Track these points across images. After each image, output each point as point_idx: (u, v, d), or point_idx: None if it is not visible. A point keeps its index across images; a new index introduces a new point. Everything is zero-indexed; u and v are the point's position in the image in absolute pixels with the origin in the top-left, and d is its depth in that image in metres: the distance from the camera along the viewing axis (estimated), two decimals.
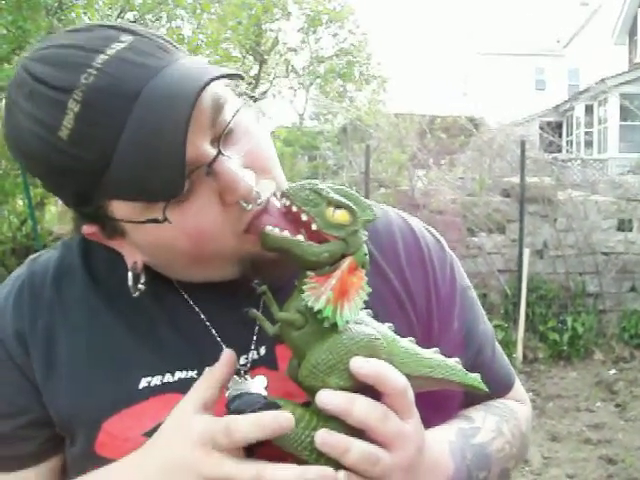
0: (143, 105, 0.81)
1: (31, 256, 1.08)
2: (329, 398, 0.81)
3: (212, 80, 0.81)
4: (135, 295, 0.95)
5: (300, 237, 0.85)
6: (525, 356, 7.51)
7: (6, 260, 8.56)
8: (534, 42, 37.01)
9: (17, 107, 0.86)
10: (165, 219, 0.84)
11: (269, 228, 0.86)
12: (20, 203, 9.45)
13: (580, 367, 7.54)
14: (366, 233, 0.88)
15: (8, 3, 7.77)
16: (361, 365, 0.82)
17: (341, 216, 0.85)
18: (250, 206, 0.88)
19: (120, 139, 0.81)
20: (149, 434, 0.90)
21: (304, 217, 0.85)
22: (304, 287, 0.84)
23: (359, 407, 0.81)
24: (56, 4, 8.06)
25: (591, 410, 6.35)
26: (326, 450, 0.80)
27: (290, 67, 21.73)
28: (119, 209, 0.88)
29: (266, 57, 19.77)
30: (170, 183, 0.80)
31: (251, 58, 19.68)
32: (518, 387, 1.26)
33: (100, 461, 0.93)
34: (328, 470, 0.79)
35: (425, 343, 1.04)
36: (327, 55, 22.40)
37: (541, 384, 6.97)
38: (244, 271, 0.94)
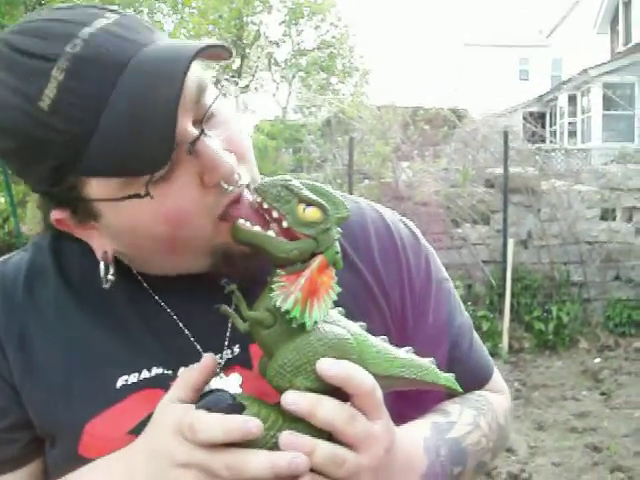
0: (131, 76, 0.79)
1: (0, 258, 1.06)
2: (294, 399, 0.80)
3: (204, 49, 0.80)
4: (106, 286, 0.94)
5: (271, 233, 0.84)
6: (511, 346, 7.55)
7: None
8: (517, 33, 37.11)
9: None
10: (147, 193, 0.82)
11: (241, 222, 0.86)
12: (1, 201, 9.41)
13: (565, 356, 7.59)
14: (340, 230, 0.87)
15: None
16: (327, 367, 0.81)
17: (312, 214, 0.84)
18: (231, 188, 0.87)
19: (105, 111, 0.79)
20: (134, 432, 0.90)
21: (275, 214, 0.84)
22: (273, 286, 0.83)
23: (324, 409, 0.80)
24: (35, 0, 8.01)
25: (577, 399, 6.39)
26: (289, 451, 0.79)
27: (272, 60, 21.70)
28: (95, 188, 0.85)
29: (248, 51, 19.73)
30: (158, 154, 0.79)
31: (233, 52, 19.61)
32: (497, 378, 1.25)
33: (85, 462, 0.92)
34: (300, 456, 0.78)
35: (400, 337, 1.04)
36: (309, 48, 22.39)
37: (527, 374, 7.01)
38: (216, 263, 0.92)
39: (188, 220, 0.87)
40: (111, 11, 0.87)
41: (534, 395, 6.47)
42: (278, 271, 0.84)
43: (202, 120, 0.87)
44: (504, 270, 7.75)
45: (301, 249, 0.84)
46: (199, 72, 0.87)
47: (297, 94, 23.15)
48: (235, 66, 19.23)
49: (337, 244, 0.87)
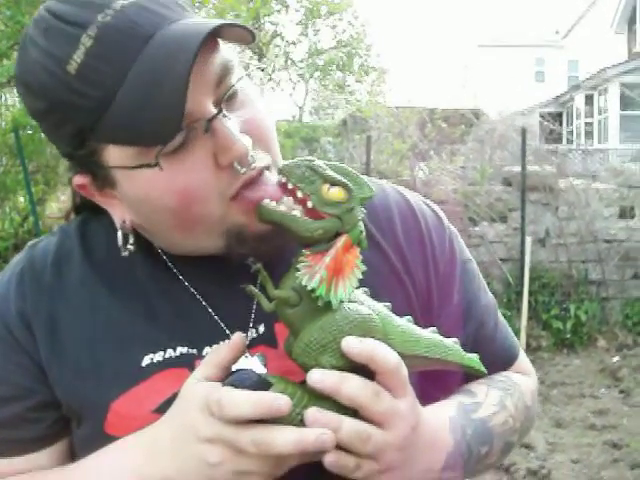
0: (153, 48, 0.82)
1: (30, 242, 1.08)
2: (319, 377, 0.81)
3: (221, 26, 0.82)
4: (125, 254, 0.96)
5: (296, 212, 0.85)
6: (528, 344, 7.51)
7: (8, 256, 8.54)
8: (533, 33, 36.93)
9: (31, 42, 0.88)
10: (157, 164, 0.84)
11: (266, 201, 0.87)
12: (21, 199, 9.45)
13: (584, 355, 7.55)
14: (364, 210, 0.88)
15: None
16: (353, 344, 0.82)
17: (336, 194, 0.85)
18: (243, 170, 0.88)
19: (126, 78, 0.82)
20: (159, 410, 0.91)
21: (299, 194, 0.85)
22: (299, 265, 0.84)
23: (349, 386, 0.81)
24: None
25: (595, 396, 6.36)
26: (316, 428, 0.80)
27: (289, 60, 21.68)
28: (112, 155, 0.88)
29: (265, 50, 19.74)
30: (166, 126, 0.81)
31: (249, 52, 19.66)
32: (523, 359, 1.26)
33: (111, 440, 0.93)
34: (327, 432, 0.79)
35: (425, 318, 1.04)
36: (326, 47, 22.35)
37: (545, 372, 6.97)
38: (229, 245, 0.93)
39: (199, 197, 0.88)
40: None
41: (552, 393, 6.45)
42: (303, 251, 0.85)
43: (222, 99, 0.89)
44: (522, 268, 7.72)
45: (326, 228, 0.84)
46: (227, 54, 0.89)
47: (314, 94, 23.14)
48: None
49: (361, 224, 0.87)
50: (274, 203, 0.86)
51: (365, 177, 0.91)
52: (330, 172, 0.86)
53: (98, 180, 0.93)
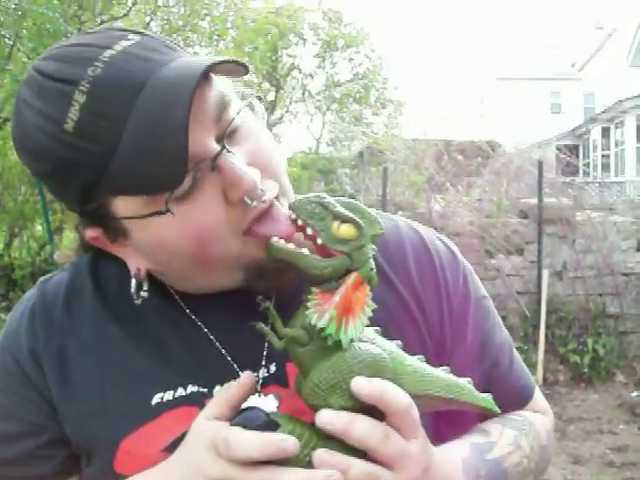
0: (148, 95, 0.81)
1: (42, 278, 1.08)
2: (328, 418, 0.80)
3: (215, 64, 0.81)
4: (137, 302, 0.95)
5: (305, 250, 0.84)
6: (545, 379, 7.44)
7: (25, 284, 8.61)
8: (549, 66, 37.04)
9: (25, 105, 0.87)
10: (168, 210, 0.83)
11: (274, 239, 0.86)
12: (39, 228, 9.53)
13: (602, 389, 7.47)
14: (374, 247, 0.87)
15: (30, 31, 7.88)
16: (362, 385, 0.81)
17: (347, 230, 0.84)
18: (254, 203, 0.87)
19: (125, 130, 0.81)
20: (168, 449, 0.90)
21: (309, 231, 0.84)
22: (308, 304, 0.83)
23: (359, 427, 0.80)
24: (76, 31, 8.16)
25: (614, 432, 6.28)
26: (324, 469, 0.78)
27: (306, 92, 21.84)
28: (121, 206, 0.87)
29: (282, 82, 19.90)
30: (173, 171, 0.80)
31: (267, 84, 19.82)
32: (538, 397, 1.23)
33: (120, 479, 0.92)
34: (335, 473, 0.78)
35: (438, 356, 1.02)
36: (343, 80, 22.51)
37: (562, 407, 6.89)
38: (249, 278, 0.92)
39: (214, 236, 0.87)
40: (135, 32, 0.89)
41: (570, 429, 6.37)
42: (313, 289, 0.84)
43: (223, 135, 0.88)
44: (538, 301, 7.67)
45: (335, 266, 0.83)
46: (222, 88, 0.89)
47: (330, 126, 23.26)
48: (270, 98, 19.40)
49: (372, 261, 0.86)
50: (282, 241, 0.85)
51: (377, 212, 0.91)
52: (340, 209, 0.85)
53: (110, 232, 0.92)
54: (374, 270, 0.86)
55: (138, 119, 0.80)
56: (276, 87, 19.92)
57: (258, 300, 0.88)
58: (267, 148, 0.94)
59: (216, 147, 0.86)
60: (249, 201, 0.87)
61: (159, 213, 0.84)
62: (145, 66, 0.83)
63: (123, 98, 0.81)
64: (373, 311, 0.85)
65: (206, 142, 0.85)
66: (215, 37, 11.58)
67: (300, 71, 21.26)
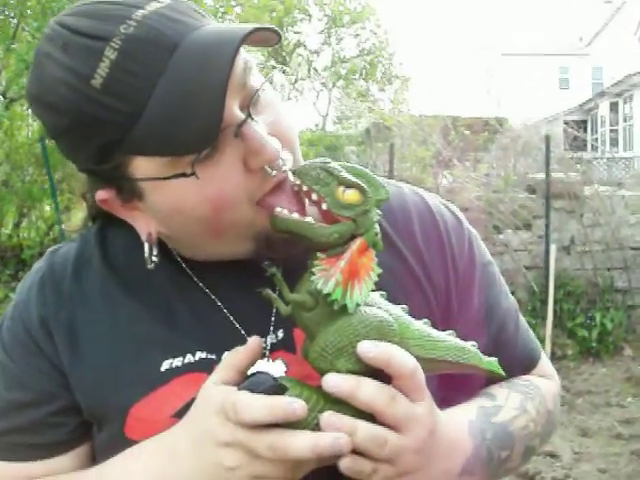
0: (182, 56, 0.81)
1: (50, 249, 1.09)
2: (334, 382, 0.81)
3: (252, 32, 0.81)
4: (150, 266, 0.95)
5: (309, 219, 0.85)
6: (554, 353, 7.44)
7: (34, 264, 8.63)
8: (557, 41, 36.79)
9: (48, 59, 0.86)
10: (193, 173, 0.83)
11: (278, 210, 0.86)
12: (47, 208, 9.55)
13: (610, 363, 7.46)
14: (379, 212, 0.87)
15: (34, 10, 7.86)
16: (368, 349, 0.82)
17: (351, 196, 0.84)
18: (274, 172, 0.88)
19: (155, 90, 0.80)
20: (178, 415, 0.91)
21: (314, 196, 0.84)
22: (314, 269, 0.83)
23: (365, 390, 0.81)
24: None
25: (622, 405, 6.28)
26: (331, 432, 0.79)
27: (312, 69, 21.75)
28: (141, 167, 0.87)
29: (288, 59, 19.82)
30: (204, 134, 0.80)
31: (273, 61, 19.75)
32: (544, 362, 1.24)
33: (131, 444, 0.94)
34: (343, 436, 0.79)
35: (444, 321, 1.04)
36: (349, 56, 22.41)
37: (570, 380, 6.90)
38: (259, 249, 0.93)
39: (230, 203, 0.87)
40: None
41: (578, 402, 6.38)
42: (318, 254, 0.85)
43: (249, 104, 0.88)
44: (546, 276, 7.66)
45: (341, 232, 0.84)
46: (244, 54, 0.88)
47: (337, 102, 23.19)
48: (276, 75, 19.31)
49: (377, 226, 0.86)
50: (286, 211, 0.86)
51: (382, 179, 0.91)
52: (345, 174, 0.85)
53: (124, 193, 0.92)
54: (379, 235, 0.87)
55: (171, 80, 0.80)
56: (282, 64, 19.85)
57: (264, 265, 0.88)
58: (286, 120, 0.95)
59: (240, 114, 0.86)
60: (269, 170, 0.87)
61: (183, 175, 0.84)
62: (177, 28, 0.84)
63: (156, 58, 0.81)
64: (378, 276, 0.85)
65: (232, 108, 0.86)
66: (220, 14, 11.50)
67: (305, 47, 21.15)
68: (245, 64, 0.88)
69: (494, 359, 0.98)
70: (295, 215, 0.85)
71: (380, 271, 0.85)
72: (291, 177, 0.90)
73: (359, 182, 0.85)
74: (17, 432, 1.00)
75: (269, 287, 0.90)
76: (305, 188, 0.85)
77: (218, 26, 0.86)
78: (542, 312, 7.60)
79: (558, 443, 5.19)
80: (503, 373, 0.99)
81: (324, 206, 0.84)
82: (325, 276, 0.82)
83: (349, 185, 0.85)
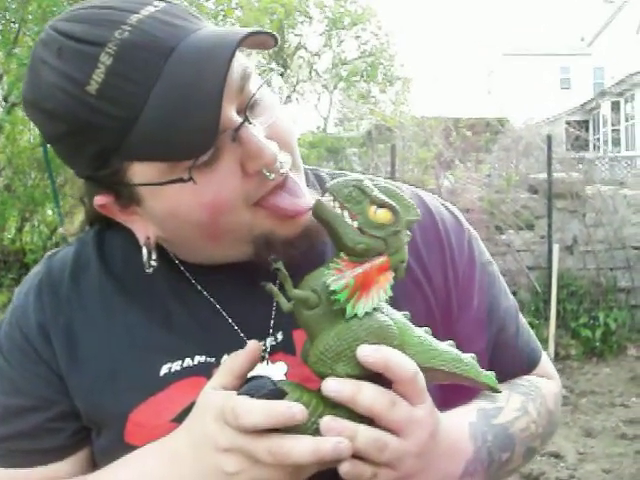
0: (178, 60, 0.81)
1: (48, 253, 1.08)
2: (335, 386, 0.80)
3: (248, 35, 0.81)
4: (149, 271, 0.95)
5: (348, 220, 0.84)
6: (557, 353, 7.44)
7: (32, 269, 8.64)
8: (558, 41, 36.79)
9: (43, 65, 0.85)
10: (190, 178, 0.83)
11: (326, 198, 0.85)
12: (49, 213, 9.56)
13: (613, 363, 7.46)
14: (409, 234, 0.87)
15: (35, 14, 7.87)
16: (368, 353, 0.81)
17: (383, 215, 0.84)
18: (272, 176, 0.87)
19: (151, 94, 0.80)
20: (177, 419, 0.91)
21: (346, 214, 0.84)
22: (331, 264, 0.83)
23: (365, 395, 0.80)
24: None
25: (626, 405, 6.27)
26: (332, 437, 0.79)
27: (313, 71, 21.78)
28: (139, 172, 0.86)
29: (289, 61, 19.84)
30: (202, 139, 0.80)
31: (274, 64, 19.74)
32: (545, 362, 1.24)
33: (131, 450, 0.93)
34: (344, 441, 0.78)
35: (445, 323, 1.03)
36: (350, 58, 22.43)
37: (574, 380, 6.90)
38: (258, 251, 0.92)
39: (227, 207, 0.87)
40: None
41: (582, 402, 6.37)
42: (341, 254, 0.84)
43: (246, 107, 0.88)
44: (549, 276, 7.66)
45: (368, 245, 0.83)
46: (243, 60, 0.88)
47: (338, 104, 23.21)
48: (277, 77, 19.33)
49: (405, 250, 0.86)
50: (332, 202, 0.85)
51: (411, 200, 0.90)
52: (377, 193, 0.85)
53: (122, 199, 0.92)
54: (404, 264, 0.86)
55: (166, 85, 0.80)
56: (282, 66, 19.86)
57: (270, 259, 0.88)
58: (284, 122, 0.94)
59: (237, 118, 0.86)
60: (267, 174, 0.87)
61: (180, 180, 0.84)
62: (173, 32, 0.83)
63: (151, 62, 0.81)
64: (385, 300, 0.85)
65: (229, 112, 0.85)
66: (221, 17, 11.51)
67: (306, 49, 21.17)
68: (244, 70, 0.88)
69: (492, 373, 0.97)
70: (338, 210, 0.84)
71: (391, 294, 0.85)
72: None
73: (391, 202, 0.85)
74: (16, 438, 0.99)
75: (267, 295, 0.89)
76: (337, 205, 0.84)
77: (214, 29, 0.86)
78: (545, 312, 7.60)
79: (562, 443, 5.19)
80: (500, 389, 0.98)
81: (355, 224, 0.83)
82: (339, 275, 0.82)
83: (381, 205, 0.84)
